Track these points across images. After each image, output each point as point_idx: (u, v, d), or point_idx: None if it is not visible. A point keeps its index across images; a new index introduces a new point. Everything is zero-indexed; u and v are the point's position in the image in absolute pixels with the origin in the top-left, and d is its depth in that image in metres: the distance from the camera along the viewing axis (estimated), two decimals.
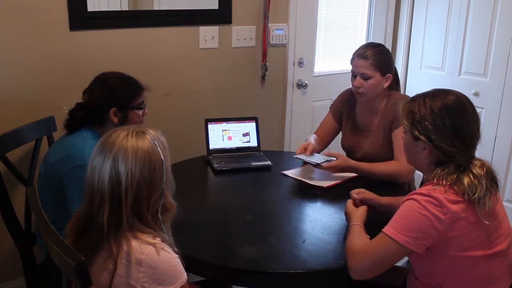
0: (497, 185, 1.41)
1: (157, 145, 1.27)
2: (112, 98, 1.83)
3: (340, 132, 2.41)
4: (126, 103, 1.85)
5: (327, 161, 2.08)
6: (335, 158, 2.09)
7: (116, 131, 1.28)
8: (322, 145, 2.41)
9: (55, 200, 1.77)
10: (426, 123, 1.40)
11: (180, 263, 1.26)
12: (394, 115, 2.11)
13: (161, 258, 1.21)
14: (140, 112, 1.89)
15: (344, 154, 2.38)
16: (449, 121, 1.39)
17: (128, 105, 1.85)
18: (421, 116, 1.42)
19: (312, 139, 2.29)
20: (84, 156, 1.68)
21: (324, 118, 2.45)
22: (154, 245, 1.21)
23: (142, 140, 1.25)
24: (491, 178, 1.39)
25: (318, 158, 2.13)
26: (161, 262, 1.21)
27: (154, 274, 1.20)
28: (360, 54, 2.15)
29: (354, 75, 2.18)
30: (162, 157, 1.27)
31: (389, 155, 2.13)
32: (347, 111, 2.36)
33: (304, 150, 2.17)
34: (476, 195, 1.33)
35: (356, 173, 2.10)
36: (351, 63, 2.20)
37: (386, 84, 2.16)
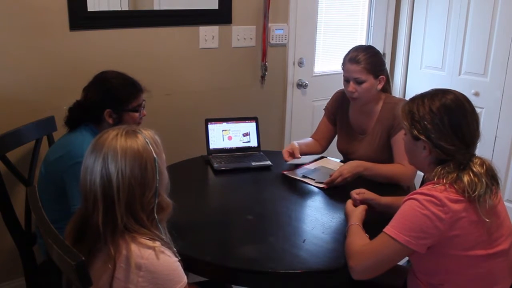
0: (497, 183, 1.41)
1: (149, 144, 1.26)
2: (107, 99, 1.82)
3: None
4: (121, 105, 1.84)
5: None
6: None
7: (107, 132, 1.28)
8: (320, 148, 2.41)
9: (56, 199, 1.77)
10: (425, 123, 1.41)
11: (180, 267, 1.25)
12: (393, 121, 2.11)
13: (161, 263, 1.21)
14: (137, 114, 1.88)
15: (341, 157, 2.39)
16: (448, 120, 1.39)
17: (123, 108, 1.84)
18: (420, 116, 1.42)
19: (296, 143, 2.26)
20: (83, 153, 1.68)
21: (320, 121, 2.45)
22: (153, 248, 1.21)
23: (132, 139, 1.25)
24: (491, 176, 1.39)
25: (321, 174, 2.12)
26: (161, 267, 1.21)
27: (154, 278, 1.20)
28: (351, 59, 2.12)
29: (347, 80, 2.16)
30: (155, 155, 1.26)
31: (384, 159, 2.12)
32: (340, 113, 2.36)
33: (291, 156, 2.16)
34: (476, 193, 1.33)
35: (363, 171, 2.03)
36: (343, 68, 2.18)
37: (379, 86, 2.16)
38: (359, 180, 2.02)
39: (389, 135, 2.15)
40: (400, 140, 1.90)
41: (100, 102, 1.82)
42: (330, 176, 2.00)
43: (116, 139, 1.24)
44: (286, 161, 2.18)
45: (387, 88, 2.23)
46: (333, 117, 2.39)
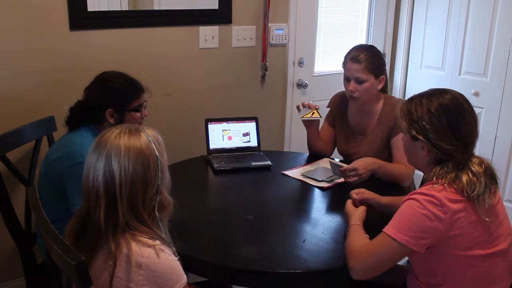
0: (496, 182, 1.42)
1: (151, 142, 1.27)
2: (109, 99, 1.83)
3: None
4: (122, 104, 1.84)
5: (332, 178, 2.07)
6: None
7: (109, 130, 1.29)
8: (328, 152, 2.40)
9: (56, 199, 1.77)
10: (423, 123, 1.41)
11: (180, 266, 1.26)
12: (394, 122, 2.10)
13: (161, 261, 1.21)
14: (138, 114, 1.88)
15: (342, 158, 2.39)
16: (446, 120, 1.39)
17: (124, 107, 1.85)
18: (418, 116, 1.42)
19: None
20: (83, 153, 1.67)
21: (322, 125, 2.45)
22: (153, 247, 1.21)
23: (135, 137, 1.26)
24: (490, 175, 1.39)
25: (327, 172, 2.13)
26: (161, 265, 1.21)
27: (154, 277, 1.20)
28: (353, 58, 2.11)
29: (347, 79, 2.16)
30: (157, 153, 1.27)
31: (384, 159, 2.11)
32: (339, 116, 2.36)
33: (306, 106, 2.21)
34: (475, 192, 1.34)
35: (377, 169, 1.98)
36: (344, 66, 2.18)
37: (380, 86, 2.16)
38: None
39: (389, 136, 2.15)
40: (400, 141, 1.90)
41: (101, 102, 1.82)
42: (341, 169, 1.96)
43: (119, 137, 1.25)
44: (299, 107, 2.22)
45: (385, 89, 2.23)
46: (333, 120, 2.39)
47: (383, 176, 2.02)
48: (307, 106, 2.23)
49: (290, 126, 3.29)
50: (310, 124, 2.28)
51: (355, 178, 1.92)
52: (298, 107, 2.26)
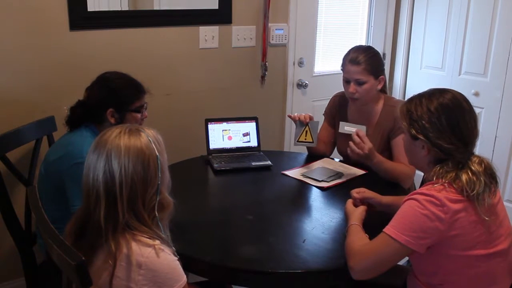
0: (496, 182, 1.42)
1: (152, 142, 1.28)
2: (110, 99, 1.83)
3: None
4: (123, 105, 1.85)
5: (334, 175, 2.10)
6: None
7: (109, 130, 1.29)
8: (327, 153, 2.41)
9: (56, 199, 1.77)
10: (423, 122, 1.41)
11: (180, 266, 1.26)
12: (393, 123, 2.11)
13: (161, 261, 1.21)
14: (139, 115, 1.89)
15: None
16: (445, 119, 1.40)
17: (125, 108, 1.85)
18: (418, 115, 1.43)
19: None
20: (83, 154, 1.68)
21: (321, 127, 2.45)
22: (153, 247, 1.22)
23: (135, 137, 1.26)
24: (490, 175, 1.39)
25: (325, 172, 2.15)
26: (161, 265, 1.21)
27: (154, 277, 1.21)
28: (352, 60, 2.12)
29: (347, 81, 2.16)
30: (157, 153, 1.27)
31: None
32: (339, 116, 2.36)
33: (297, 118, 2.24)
34: (474, 191, 1.34)
35: (371, 162, 2.01)
36: (343, 69, 2.18)
37: (379, 86, 2.17)
38: (360, 179, 2.02)
39: (389, 137, 2.15)
40: (400, 142, 1.90)
41: (103, 101, 1.83)
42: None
43: (120, 137, 1.25)
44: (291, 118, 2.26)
45: (384, 89, 2.23)
46: (332, 121, 2.40)
47: (384, 172, 2.02)
48: (297, 119, 2.24)
49: (290, 126, 3.29)
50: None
51: (359, 150, 1.95)
52: (290, 117, 2.29)
